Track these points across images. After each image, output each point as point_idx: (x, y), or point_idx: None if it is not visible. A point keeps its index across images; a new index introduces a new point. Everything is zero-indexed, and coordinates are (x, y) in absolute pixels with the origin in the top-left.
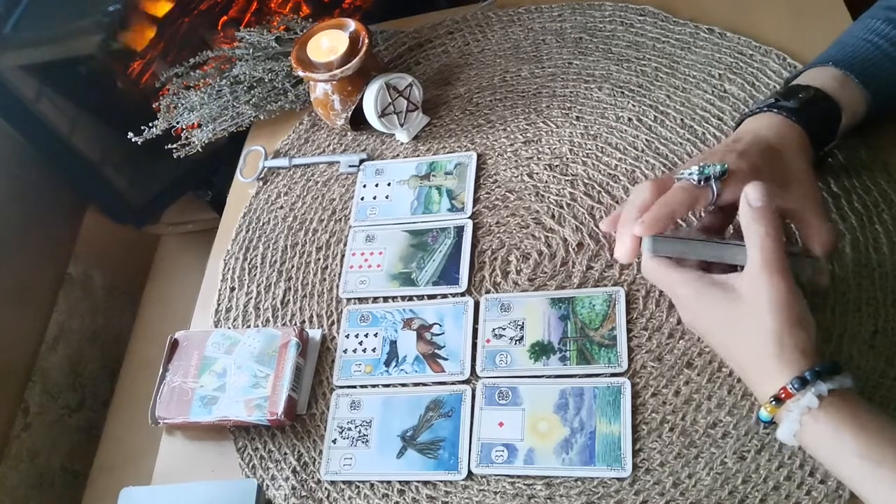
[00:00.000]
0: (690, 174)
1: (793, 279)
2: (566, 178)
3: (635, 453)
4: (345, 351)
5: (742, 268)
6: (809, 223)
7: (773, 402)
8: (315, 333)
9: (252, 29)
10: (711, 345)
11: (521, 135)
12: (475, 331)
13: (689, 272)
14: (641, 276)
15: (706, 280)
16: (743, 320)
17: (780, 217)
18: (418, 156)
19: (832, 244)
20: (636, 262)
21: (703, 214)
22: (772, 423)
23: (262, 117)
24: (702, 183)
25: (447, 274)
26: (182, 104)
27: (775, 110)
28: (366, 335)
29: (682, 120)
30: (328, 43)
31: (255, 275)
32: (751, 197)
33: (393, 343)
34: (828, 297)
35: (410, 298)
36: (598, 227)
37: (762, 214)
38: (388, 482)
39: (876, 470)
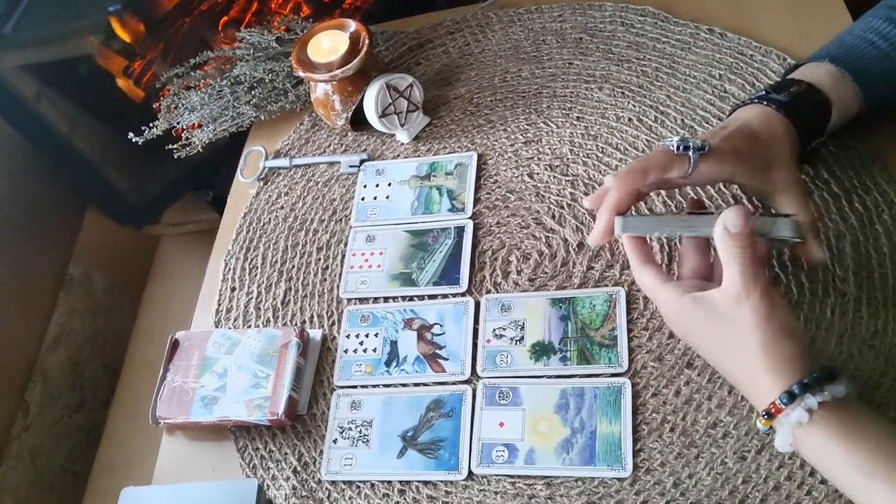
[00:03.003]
0: (671, 142)
1: (774, 292)
2: (567, 178)
3: (636, 453)
4: (345, 351)
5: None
6: (786, 208)
7: (766, 417)
8: (316, 334)
9: (252, 29)
10: (703, 357)
11: (521, 135)
12: (476, 331)
13: (673, 289)
14: None
15: (688, 298)
16: (727, 337)
17: (754, 239)
18: (419, 156)
19: (807, 226)
20: None
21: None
22: (773, 429)
23: (262, 118)
24: (680, 150)
25: (448, 274)
26: (182, 104)
27: (765, 102)
28: (366, 335)
29: (682, 120)
30: (329, 43)
31: (255, 275)
32: (729, 224)
33: (393, 343)
34: (828, 297)
35: (411, 298)
36: (581, 204)
37: (738, 238)
38: (389, 482)
39: (869, 482)
